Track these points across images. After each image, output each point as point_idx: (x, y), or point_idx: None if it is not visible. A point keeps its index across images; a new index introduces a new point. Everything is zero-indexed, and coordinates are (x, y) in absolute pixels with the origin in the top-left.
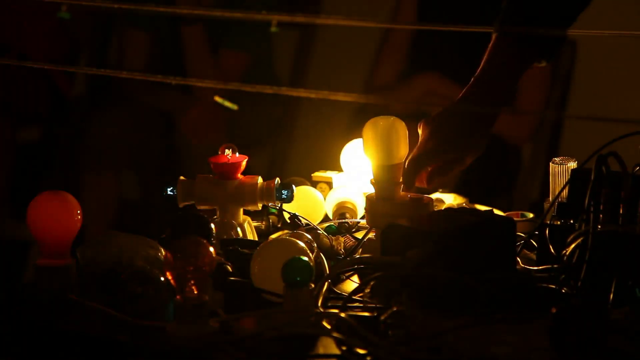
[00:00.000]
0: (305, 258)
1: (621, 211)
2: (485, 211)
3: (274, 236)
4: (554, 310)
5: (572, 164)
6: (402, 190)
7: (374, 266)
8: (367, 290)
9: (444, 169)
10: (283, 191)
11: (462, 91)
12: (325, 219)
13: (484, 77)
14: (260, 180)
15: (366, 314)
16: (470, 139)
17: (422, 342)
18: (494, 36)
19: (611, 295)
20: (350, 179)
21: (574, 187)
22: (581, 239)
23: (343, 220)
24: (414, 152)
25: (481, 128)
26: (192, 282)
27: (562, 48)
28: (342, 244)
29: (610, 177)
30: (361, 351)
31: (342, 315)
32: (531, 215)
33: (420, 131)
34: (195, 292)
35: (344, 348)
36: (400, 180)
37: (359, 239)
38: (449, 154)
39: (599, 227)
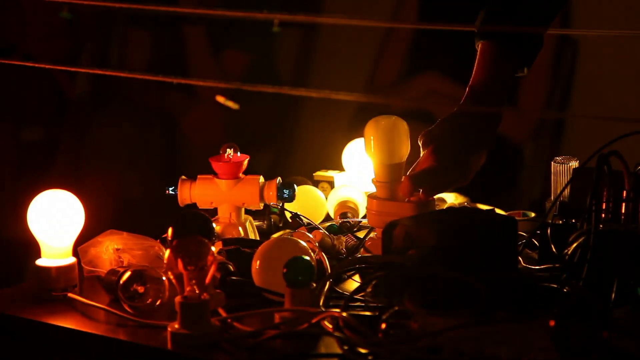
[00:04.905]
0: (307, 257)
1: (623, 210)
2: (487, 210)
3: (275, 235)
4: (555, 310)
5: (574, 163)
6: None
7: (376, 265)
8: (369, 290)
9: (445, 187)
10: (285, 190)
11: (461, 98)
12: (327, 218)
13: (479, 88)
14: (261, 179)
15: (367, 313)
16: (471, 157)
17: (423, 342)
18: (479, 46)
19: (613, 295)
20: (352, 178)
21: (575, 186)
22: (583, 238)
23: (345, 220)
24: (415, 169)
25: (482, 144)
26: (193, 281)
27: (539, 53)
28: (344, 244)
29: (612, 176)
30: (362, 350)
31: (344, 314)
32: (533, 214)
33: (420, 143)
34: (196, 292)
35: (345, 347)
36: (403, 179)
37: (360, 238)
38: (450, 175)
39: (601, 226)
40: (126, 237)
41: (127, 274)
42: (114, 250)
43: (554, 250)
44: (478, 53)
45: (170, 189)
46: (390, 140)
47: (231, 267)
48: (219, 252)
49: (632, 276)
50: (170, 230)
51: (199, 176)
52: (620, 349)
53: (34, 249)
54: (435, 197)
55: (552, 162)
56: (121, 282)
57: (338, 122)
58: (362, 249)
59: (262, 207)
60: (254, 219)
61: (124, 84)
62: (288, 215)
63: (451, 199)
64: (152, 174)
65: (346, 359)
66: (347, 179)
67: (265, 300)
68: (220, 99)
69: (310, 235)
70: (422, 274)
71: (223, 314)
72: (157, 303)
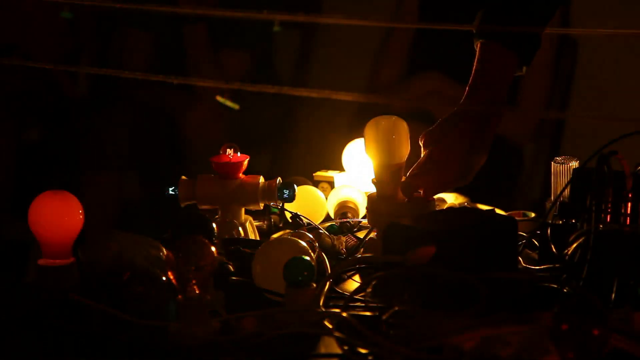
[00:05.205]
0: (307, 258)
1: (623, 210)
2: (487, 210)
3: (275, 236)
4: (555, 310)
5: (574, 164)
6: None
7: (376, 265)
8: (369, 290)
9: (445, 187)
10: (285, 190)
11: (461, 97)
12: (327, 218)
13: (479, 87)
14: (261, 179)
15: (368, 313)
16: (472, 157)
17: (423, 342)
18: (478, 45)
19: (612, 295)
20: (352, 178)
21: (575, 187)
22: (583, 238)
23: (345, 220)
24: (415, 169)
25: (483, 144)
26: (194, 281)
27: (536, 52)
28: (344, 244)
29: (612, 176)
30: (363, 351)
31: (344, 314)
32: (533, 214)
33: (421, 143)
34: (197, 292)
35: (345, 347)
36: (403, 179)
37: (360, 238)
38: (450, 175)
39: (601, 226)
40: (126, 237)
41: (127, 274)
42: (114, 250)
43: (554, 250)
44: (477, 53)
45: (171, 189)
46: (390, 140)
47: (231, 267)
48: (219, 252)
49: (632, 276)
50: (170, 231)
51: (199, 176)
52: (620, 349)
53: (34, 249)
54: (435, 197)
55: (552, 162)
56: (121, 282)
57: (338, 123)
58: (362, 249)
59: (262, 207)
60: (254, 219)
61: (124, 84)
62: (288, 215)
63: (451, 199)
64: (152, 174)
65: (346, 359)
66: (347, 179)
67: (265, 300)
68: (220, 98)
69: (310, 235)
70: (422, 274)
71: (223, 314)
72: (157, 303)
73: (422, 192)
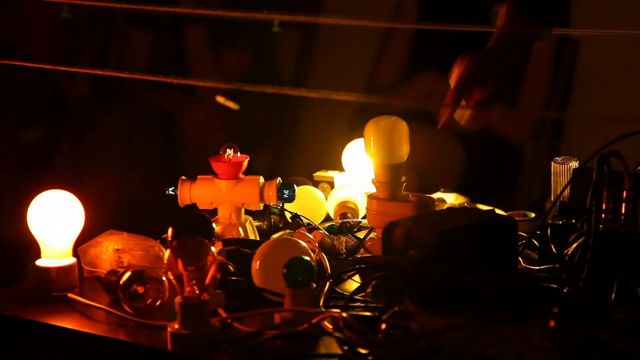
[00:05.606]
0: (307, 258)
1: (623, 210)
2: (487, 211)
3: (275, 236)
4: (555, 310)
5: (574, 163)
6: (441, 116)
7: (376, 266)
8: (369, 290)
9: (485, 96)
10: (285, 191)
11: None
12: (327, 218)
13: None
14: (261, 180)
15: (368, 313)
16: (507, 71)
17: (423, 342)
18: (504, 6)
19: (613, 295)
20: (352, 178)
21: (575, 187)
22: (583, 238)
23: (345, 220)
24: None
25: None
26: (193, 281)
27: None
28: (344, 244)
29: (612, 176)
30: (362, 350)
31: (344, 314)
32: (533, 214)
33: (456, 70)
34: (196, 292)
35: (345, 347)
36: (403, 179)
37: (360, 238)
38: (488, 77)
39: (601, 226)
40: (126, 238)
41: (127, 274)
42: (114, 250)
43: (554, 250)
44: (501, 16)
45: (171, 189)
46: (390, 140)
47: (231, 268)
48: (219, 252)
49: (632, 276)
50: (170, 231)
51: (199, 176)
52: (620, 349)
53: (34, 249)
54: (435, 197)
55: (552, 162)
56: (121, 282)
57: (338, 123)
58: (362, 249)
59: (262, 208)
60: (254, 219)
61: (124, 84)
62: (288, 215)
63: (451, 199)
64: (152, 174)
65: (346, 359)
66: (347, 179)
67: (265, 300)
68: (220, 99)
69: (310, 236)
70: (422, 274)
71: (223, 314)
72: (157, 303)
73: (473, 97)
